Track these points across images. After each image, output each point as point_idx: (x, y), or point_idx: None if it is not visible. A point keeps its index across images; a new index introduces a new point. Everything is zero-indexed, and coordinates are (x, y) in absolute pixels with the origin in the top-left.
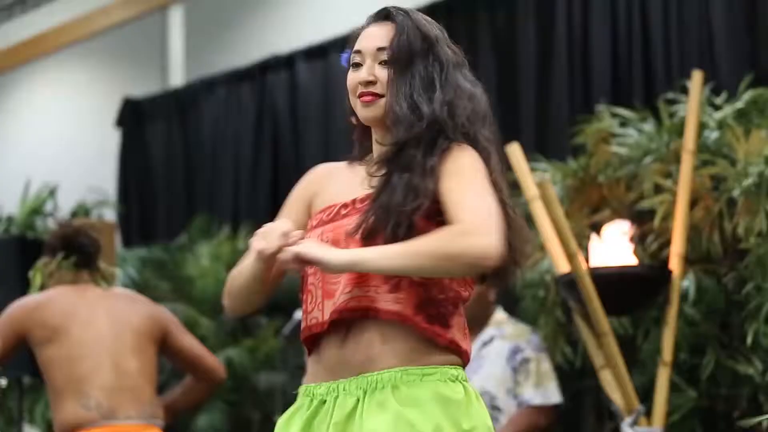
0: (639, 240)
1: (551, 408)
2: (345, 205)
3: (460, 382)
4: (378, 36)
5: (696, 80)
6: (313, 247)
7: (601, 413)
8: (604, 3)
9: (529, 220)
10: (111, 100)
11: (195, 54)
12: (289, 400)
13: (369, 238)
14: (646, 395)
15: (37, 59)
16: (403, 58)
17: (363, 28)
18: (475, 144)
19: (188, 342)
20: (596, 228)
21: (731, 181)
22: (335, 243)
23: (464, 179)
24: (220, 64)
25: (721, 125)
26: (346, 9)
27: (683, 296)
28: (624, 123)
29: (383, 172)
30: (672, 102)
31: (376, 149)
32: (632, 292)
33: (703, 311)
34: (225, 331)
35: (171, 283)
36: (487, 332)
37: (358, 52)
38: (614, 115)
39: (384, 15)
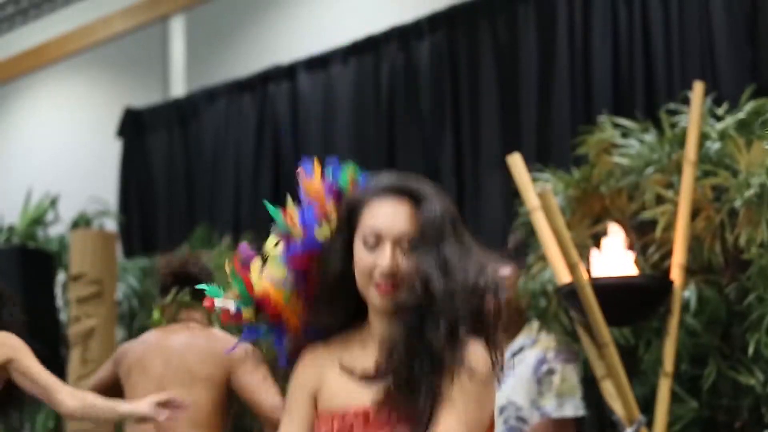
0: (640, 250)
1: (571, 421)
2: (356, 414)
3: None
4: (400, 218)
5: (697, 91)
6: None
7: (602, 424)
8: (605, 14)
9: (531, 230)
10: (112, 111)
11: (196, 64)
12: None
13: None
14: (647, 406)
15: (38, 69)
16: (431, 238)
17: (371, 198)
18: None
19: (250, 379)
20: (598, 238)
21: (733, 192)
22: None
23: (459, 392)
24: (221, 75)
25: (723, 136)
26: (347, 20)
27: (685, 306)
28: (626, 134)
29: (401, 379)
30: (673, 113)
31: (383, 330)
32: (633, 303)
33: (704, 322)
34: None
35: None
36: (518, 342)
37: (378, 235)
38: (616, 126)
39: (402, 191)
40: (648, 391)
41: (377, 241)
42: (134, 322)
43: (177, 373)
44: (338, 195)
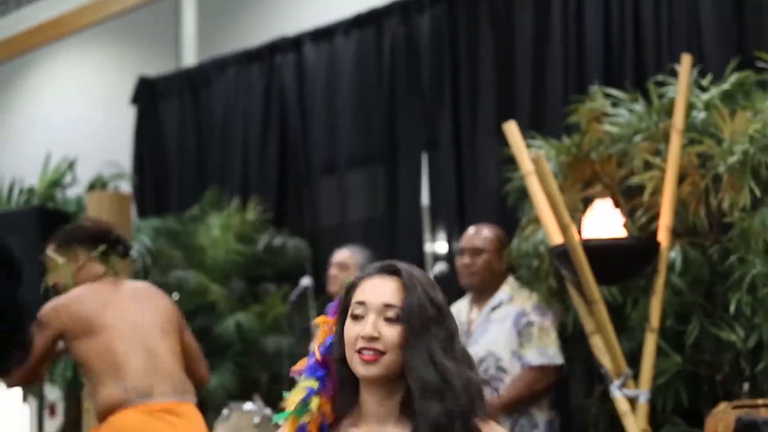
0: (629, 214)
1: (552, 368)
2: None
3: None
4: (385, 291)
5: (685, 63)
6: None
7: (591, 376)
8: None
9: (525, 194)
10: (127, 79)
11: (207, 35)
12: (294, 361)
13: None
14: (633, 360)
15: (57, 41)
16: (420, 318)
17: (362, 278)
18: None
19: (193, 341)
20: (588, 202)
21: (717, 159)
22: None
23: None
24: (230, 45)
25: (708, 106)
26: None
27: (670, 267)
28: (616, 103)
29: None
30: (661, 84)
31: (370, 406)
32: (622, 263)
33: (688, 281)
34: (235, 297)
35: (183, 252)
36: (497, 297)
37: (362, 303)
38: (607, 96)
39: (391, 270)
40: (635, 346)
41: (363, 312)
42: (148, 278)
43: (154, 316)
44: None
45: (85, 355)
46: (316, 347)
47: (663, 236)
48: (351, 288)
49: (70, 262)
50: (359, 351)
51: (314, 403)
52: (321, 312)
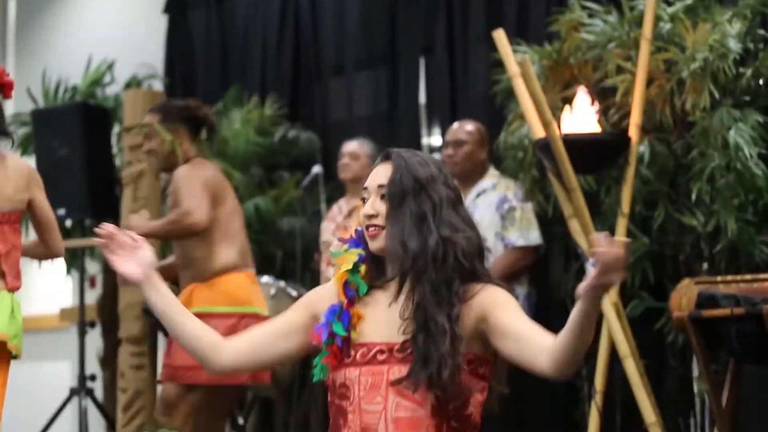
0: (603, 112)
1: (532, 249)
2: (381, 351)
3: None
4: (380, 174)
5: None
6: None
7: (568, 255)
8: None
9: (511, 94)
10: None
11: None
12: (306, 240)
13: (421, 387)
14: None
15: None
16: (396, 195)
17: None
18: (474, 278)
19: None
20: (567, 101)
21: (681, 65)
22: (374, 387)
23: (515, 312)
24: None
25: (674, 18)
26: None
27: (639, 159)
28: (592, 14)
29: (413, 320)
30: None
31: (392, 275)
32: (597, 155)
33: (655, 172)
34: (253, 183)
35: (210, 142)
36: (481, 185)
37: (365, 188)
38: (584, 8)
39: (385, 156)
40: (607, 229)
41: (367, 195)
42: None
43: None
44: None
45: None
46: (354, 229)
47: (633, 132)
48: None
49: (176, 139)
50: (366, 228)
51: (362, 268)
52: (330, 196)
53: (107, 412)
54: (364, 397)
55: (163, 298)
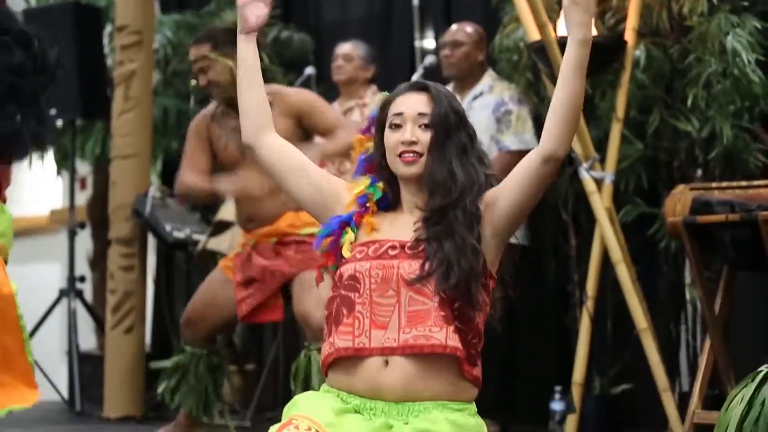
0: (600, 15)
1: (527, 152)
2: (393, 246)
3: (477, 417)
4: (418, 102)
5: None
6: None
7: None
8: None
9: None
10: None
11: None
12: None
13: (446, 293)
14: (600, 146)
15: None
16: (444, 126)
17: (396, 95)
18: None
19: None
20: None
21: None
22: (386, 281)
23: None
24: None
25: None
26: None
27: (635, 63)
28: None
29: (435, 230)
30: None
31: (408, 202)
32: (592, 59)
33: (651, 76)
34: None
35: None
36: (478, 87)
37: (399, 114)
38: None
39: (420, 86)
40: (602, 134)
41: (400, 121)
42: (168, 67)
43: None
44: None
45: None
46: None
47: (629, 36)
48: (386, 104)
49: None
50: (400, 155)
51: (379, 186)
52: (323, 98)
53: (96, 313)
54: (376, 289)
55: (255, 56)
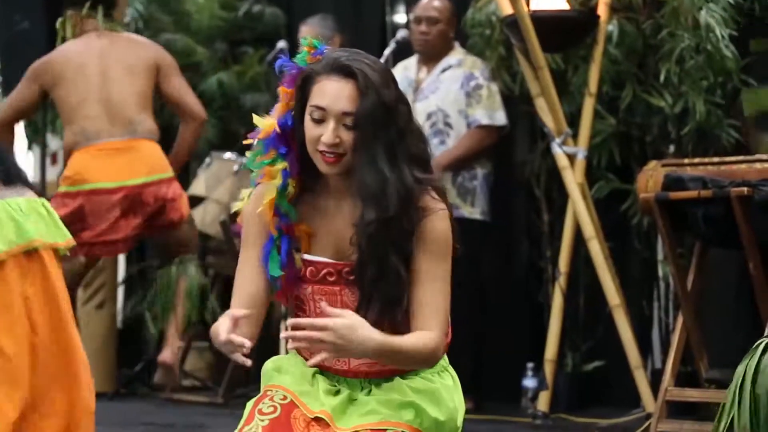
0: None
1: (496, 129)
2: (330, 273)
3: (447, 372)
4: (343, 98)
5: None
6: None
7: (534, 135)
8: None
9: None
10: None
11: None
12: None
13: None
14: (573, 121)
15: None
16: (370, 125)
17: (320, 73)
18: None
19: (177, 88)
20: None
21: None
22: (331, 304)
23: (434, 264)
24: None
25: None
26: None
27: (608, 38)
28: None
29: (365, 251)
30: None
31: (334, 187)
32: (565, 33)
33: (624, 51)
34: (217, 58)
35: (172, 17)
36: (446, 61)
37: (322, 109)
38: None
39: (347, 72)
40: (574, 109)
41: (322, 116)
42: None
43: (117, 67)
44: (297, 74)
45: (57, 104)
46: (275, 118)
47: (602, 10)
48: (308, 79)
49: (71, 23)
50: (321, 152)
51: (291, 185)
52: None
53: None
54: (321, 314)
55: None
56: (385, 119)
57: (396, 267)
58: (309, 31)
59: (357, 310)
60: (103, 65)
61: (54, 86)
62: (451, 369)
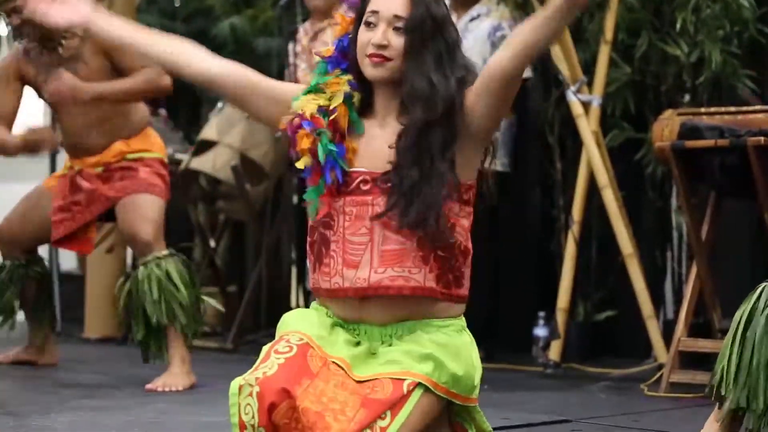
0: None
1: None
2: (365, 181)
3: (465, 332)
4: (396, 3)
5: None
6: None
7: (548, 83)
8: None
9: None
10: None
11: None
12: (282, 62)
13: (407, 227)
14: (588, 69)
15: None
16: (420, 32)
17: None
18: None
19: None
20: None
21: None
22: (360, 218)
23: None
24: None
25: None
26: None
27: None
28: None
29: (407, 154)
30: None
31: (382, 107)
32: None
33: None
34: (229, 3)
35: None
36: (475, 9)
37: (375, 12)
38: None
39: None
40: (589, 57)
41: (375, 20)
42: None
43: None
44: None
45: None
46: (334, 40)
47: None
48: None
49: None
50: (369, 56)
51: (356, 97)
52: (307, 17)
53: None
54: (349, 227)
55: (118, 26)
56: (433, 30)
57: (440, 170)
58: None
59: (390, 214)
60: None
61: None
62: (468, 331)
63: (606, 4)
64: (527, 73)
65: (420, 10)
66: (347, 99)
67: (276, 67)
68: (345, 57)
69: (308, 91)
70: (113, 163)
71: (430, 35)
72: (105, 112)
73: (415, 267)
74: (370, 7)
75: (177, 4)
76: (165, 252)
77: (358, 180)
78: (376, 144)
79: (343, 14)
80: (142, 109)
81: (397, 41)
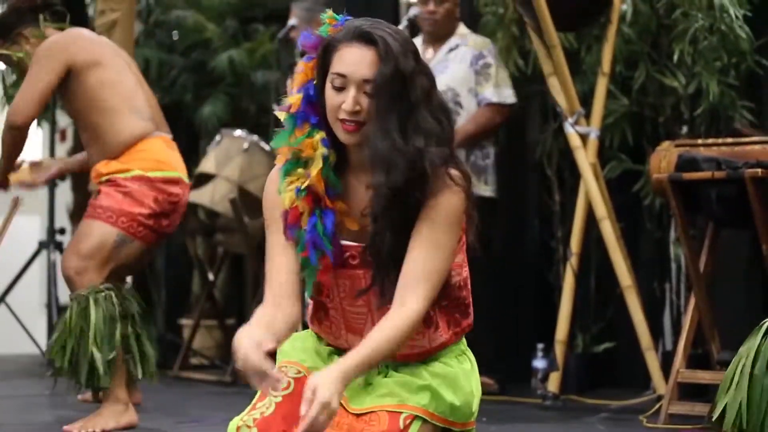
0: None
1: (507, 107)
2: (352, 256)
3: (465, 356)
4: (363, 64)
5: None
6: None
7: (546, 114)
8: None
9: None
10: None
11: None
12: (281, 95)
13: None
14: (586, 101)
15: None
16: (388, 93)
17: (341, 41)
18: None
19: None
20: None
21: None
22: (354, 291)
23: (435, 231)
24: None
25: None
26: None
27: (622, 17)
28: None
29: (380, 221)
30: None
31: (355, 162)
32: (579, 12)
33: (637, 31)
34: (228, 35)
35: None
36: (453, 41)
37: (343, 76)
38: None
39: (368, 39)
40: (587, 89)
41: (343, 83)
42: (150, 18)
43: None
44: (318, 43)
45: (96, 87)
46: (295, 89)
47: None
48: (329, 49)
49: (24, 47)
50: (342, 121)
51: (331, 155)
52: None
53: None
54: (345, 298)
55: None
56: (401, 88)
57: (397, 235)
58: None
59: (372, 284)
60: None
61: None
62: (469, 352)
63: (603, 36)
64: (511, 98)
65: (388, 68)
66: (324, 160)
67: (274, 100)
68: (313, 109)
69: (288, 167)
70: (98, 185)
71: (397, 94)
72: (88, 132)
73: (418, 334)
74: (337, 65)
75: (175, 38)
76: (84, 291)
77: (347, 255)
78: (358, 197)
79: (304, 61)
80: (130, 127)
81: (368, 103)
